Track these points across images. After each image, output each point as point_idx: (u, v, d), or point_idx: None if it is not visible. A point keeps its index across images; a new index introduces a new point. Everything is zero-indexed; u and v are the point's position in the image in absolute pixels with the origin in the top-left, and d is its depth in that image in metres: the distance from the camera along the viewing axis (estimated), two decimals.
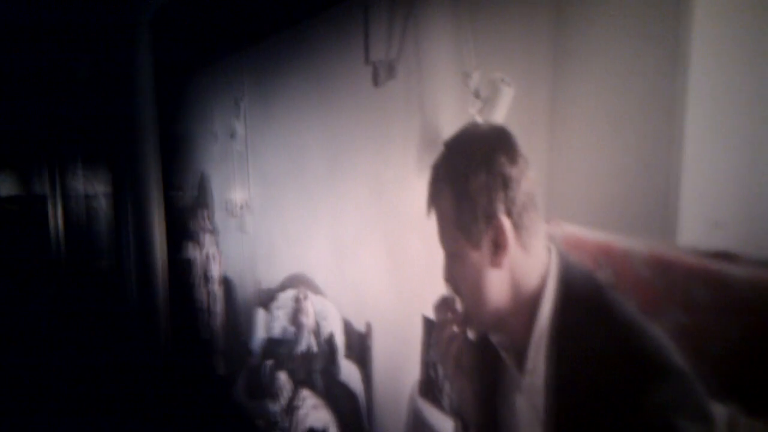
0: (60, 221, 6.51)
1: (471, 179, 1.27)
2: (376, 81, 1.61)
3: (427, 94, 1.42)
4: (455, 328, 1.39)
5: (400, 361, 1.59)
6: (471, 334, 1.35)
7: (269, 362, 2.33)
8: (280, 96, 2.17)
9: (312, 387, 2.02)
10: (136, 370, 3.95)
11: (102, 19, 4.22)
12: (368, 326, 1.69)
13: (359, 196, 1.71)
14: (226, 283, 2.80)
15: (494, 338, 1.32)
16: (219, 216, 2.84)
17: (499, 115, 1.21)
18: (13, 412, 3.98)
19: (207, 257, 3.04)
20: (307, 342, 2.03)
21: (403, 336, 1.57)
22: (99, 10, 4.21)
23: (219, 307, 2.90)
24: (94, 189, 5.53)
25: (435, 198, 1.41)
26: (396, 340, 1.60)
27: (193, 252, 3.26)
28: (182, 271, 3.46)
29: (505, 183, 1.24)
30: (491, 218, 1.26)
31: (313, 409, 2.01)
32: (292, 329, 2.14)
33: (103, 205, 5.31)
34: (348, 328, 1.79)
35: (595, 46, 1.02)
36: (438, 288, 1.41)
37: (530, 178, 1.21)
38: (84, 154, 5.64)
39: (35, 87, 5.38)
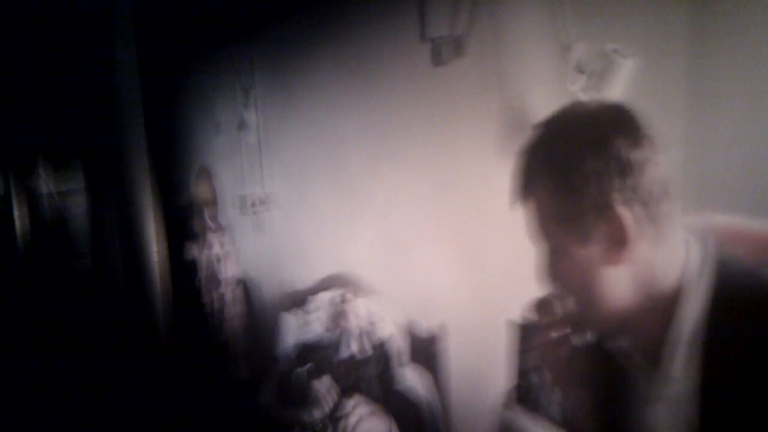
0: (25, 222, 6.22)
1: (575, 166, 1.12)
2: (437, 60, 1.45)
3: (508, 72, 1.28)
4: (565, 331, 1.25)
5: (481, 366, 1.46)
6: (584, 338, 1.22)
7: (304, 368, 2.18)
8: (306, 83, 1.99)
9: (364, 393, 1.88)
10: (135, 377, 3.75)
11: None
12: (439, 329, 1.55)
13: (418, 189, 1.57)
14: (241, 284, 2.63)
15: (616, 342, 1.18)
16: (228, 214, 2.65)
17: (615, 91, 1.07)
18: None
19: (213, 258, 2.85)
20: (353, 346, 1.88)
21: (484, 339, 1.44)
22: None
23: (233, 310, 2.73)
24: (62, 186, 5.26)
25: (524, 188, 1.27)
26: (477, 343, 1.47)
27: (195, 252, 3.06)
28: (183, 272, 3.26)
29: (624, 169, 1.08)
30: (604, 209, 1.10)
31: (368, 416, 1.87)
32: (331, 333, 1.99)
33: (76, 203, 5.04)
34: (412, 331, 1.66)
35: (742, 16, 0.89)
36: (530, 287, 1.28)
37: (661, 162, 1.06)
38: (48, 151, 5.34)
39: None
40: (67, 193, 5.11)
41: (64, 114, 4.47)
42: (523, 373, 1.36)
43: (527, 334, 1.32)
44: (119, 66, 3.50)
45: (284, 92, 2.11)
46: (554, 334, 1.26)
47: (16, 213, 6.17)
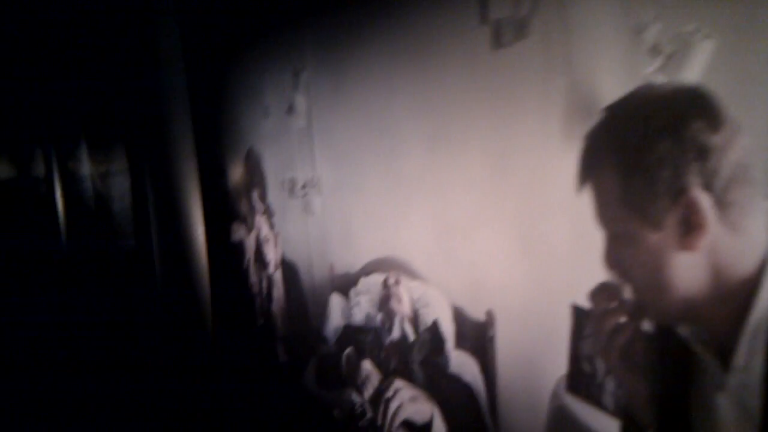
0: (66, 202, 6.33)
1: (648, 149, 1.09)
2: (498, 42, 1.43)
3: (575, 54, 1.25)
4: (622, 318, 1.23)
5: (534, 353, 1.44)
6: (643, 326, 1.19)
7: (349, 350, 2.19)
8: (358, 66, 1.98)
9: (408, 378, 1.87)
10: (180, 359, 3.81)
11: None
12: (490, 314, 1.54)
13: (475, 172, 1.55)
14: (287, 266, 2.65)
15: (682, 330, 1.15)
16: (275, 196, 2.67)
17: (692, 73, 1.04)
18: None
19: (260, 239, 2.88)
20: (401, 330, 1.88)
21: (538, 326, 1.42)
22: None
23: (277, 291, 2.75)
24: (104, 168, 5.32)
25: (591, 172, 1.24)
26: (529, 330, 1.45)
27: (241, 234, 3.09)
28: (227, 254, 3.30)
29: (702, 153, 1.04)
30: (680, 194, 1.06)
31: (410, 402, 1.87)
32: (379, 316, 1.99)
33: (118, 184, 5.10)
34: (460, 317, 1.64)
35: None
36: (589, 273, 1.25)
37: (741, 146, 1.02)
38: (91, 133, 5.41)
39: (33, 65, 5.13)
40: (109, 174, 5.17)
41: (108, 95, 4.53)
42: (577, 360, 1.33)
43: (584, 320, 1.30)
44: (164, 49, 3.54)
45: (335, 75, 2.11)
46: (612, 322, 1.24)
47: (58, 194, 6.30)
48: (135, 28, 3.67)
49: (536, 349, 1.44)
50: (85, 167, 5.69)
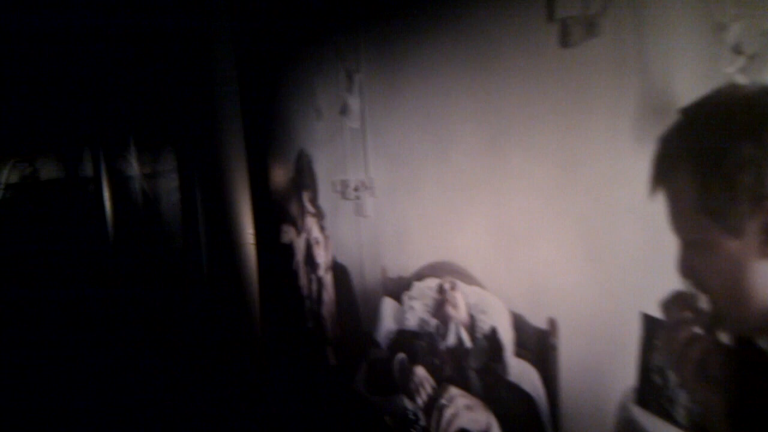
0: (114, 203, 6.44)
1: (728, 153, 1.03)
2: (566, 41, 1.38)
3: (649, 52, 1.19)
4: (697, 330, 1.17)
5: (600, 363, 1.39)
6: (722, 337, 1.13)
7: (401, 356, 2.16)
8: (414, 66, 1.95)
9: (464, 385, 1.83)
10: (228, 360, 3.83)
11: None
12: (552, 322, 1.49)
13: (538, 175, 1.50)
14: (337, 269, 2.63)
15: (763, 342, 1.09)
16: (326, 198, 2.66)
17: None
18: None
19: (310, 242, 2.87)
20: (457, 336, 1.84)
21: (605, 335, 1.36)
22: None
23: (327, 294, 2.74)
24: (153, 168, 5.37)
25: (665, 176, 1.19)
26: (594, 339, 1.39)
27: (291, 236, 3.09)
28: (276, 256, 3.30)
29: None
30: (762, 200, 1.01)
31: (465, 410, 1.83)
32: (433, 322, 1.95)
33: (166, 186, 5.15)
34: (519, 324, 1.60)
35: None
36: (661, 281, 1.20)
37: None
38: (140, 133, 5.47)
39: (82, 66, 5.21)
40: (157, 175, 5.21)
41: (158, 95, 4.58)
42: (646, 372, 1.28)
43: (655, 331, 1.24)
44: (215, 49, 3.57)
45: (391, 76, 2.08)
46: (686, 333, 1.18)
47: (105, 194, 6.42)
48: (186, 28, 3.71)
49: (602, 359, 1.38)
50: (133, 167, 5.77)
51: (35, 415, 3.98)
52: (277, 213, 3.25)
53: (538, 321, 1.55)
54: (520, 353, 1.63)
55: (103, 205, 6.53)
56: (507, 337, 1.66)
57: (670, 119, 1.14)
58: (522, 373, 1.61)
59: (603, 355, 1.38)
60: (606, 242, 1.33)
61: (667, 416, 1.24)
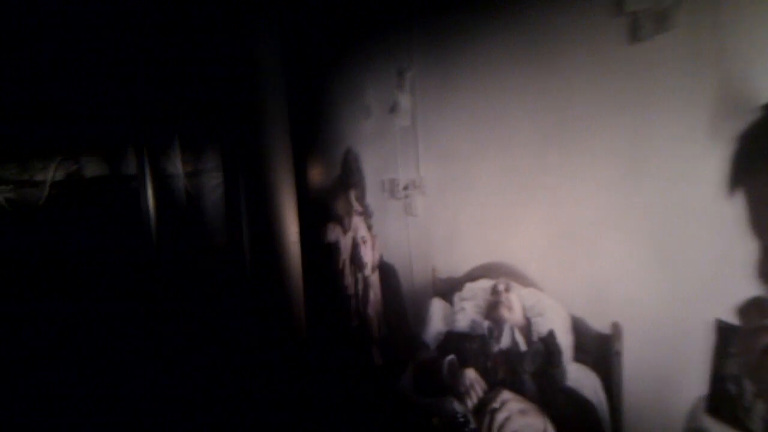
0: (157, 201, 6.49)
1: None
2: (636, 36, 1.33)
3: (728, 47, 1.14)
4: None
5: (667, 370, 1.33)
6: None
7: (451, 357, 2.12)
8: (469, 63, 1.92)
9: (517, 389, 1.79)
10: (272, 359, 3.83)
11: None
12: (616, 327, 1.44)
13: (601, 173, 1.45)
14: (384, 268, 2.60)
15: None
16: (373, 197, 2.64)
17: None
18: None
19: (356, 240, 2.85)
20: (511, 339, 1.80)
21: (674, 341, 1.31)
22: None
23: (374, 293, 2.71)
24: (197, 166, 5.40)
25: (744, 176, 1.14)
26: (661, 345, 1.34)
27: (336, 235, 3.08)
28: (321, 254, 3.29)
29: None
30: None
31: (519, 414, 1.78)
32: (486, 323, 1.91)
33: (210, 183, 5.17)
34: (579, 328, 1.55)
35: None
36: (736, 286, 1.14)
37: None
38: (184, 131, 5.50)
39: (126, 62, 5.26)
40: (200, 173, 5.22)
41: (204, 93, 4.58)
42: (720, 380, 1.22)
43: (730, 337, 1.19)
44: (262, 46, 3.56)
45: (443, 73, 2.05)
46: (766, 340, 1.12)
47: (149, 192, 6.48)
48: (233, 25, 3.71)
49: (669, 366, 1.33)
50: (177, 165, 5.80)
51: (78, 409, 4.04)
52: (322, 211, 3.25)
53: (600, 325, 1.50)
54: (579, 358, 1.58)
55: (146, 203, 6.61)
56: (565, 341, 1.61)
57: (752, 116, 1.08)
58: (581, 378, 1.56)
59: (671, 362, 1.32)
60: (677, 245, 1.28)
61: (742, 427, 1.18)
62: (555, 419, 1.68)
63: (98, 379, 4.46)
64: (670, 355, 1.32)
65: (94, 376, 4.51)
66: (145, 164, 6.68)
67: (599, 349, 1.50)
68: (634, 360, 1.42)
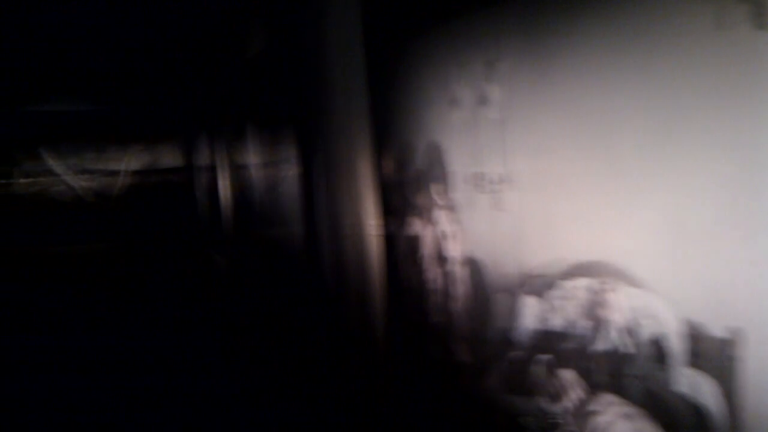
0: (227, 192, 6.59)
1: None
2: (759, 22, 1.24)
3: None
4: None
5: None
6: None
7: (545, 357, 2.06)
8: (563, 54, 1.84)
9: (620, 392, 1.72)
10: (349, 354, 3.84)
11: None
12: (737, 332, 1.35)
13: (723, 169, 1.37)
14: (469, 263, 2.56)
15: None
16: (458, 191, 2.59)
17: None
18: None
19: (439, 235, 2.81)
20: (615, 341, 1.73)
21: None
22: None
23: (458, 289, 2.67)
24: (271, 157, 5.41)
25: None
26: None
27: (417, 228, 3.04)
28: (401, 248, 3.26)
29: None
30: None
31: (623, 419, 1.71)
32: (585, 324, 1.84)
33: (285, 174, 5.17)
34: (693, 332, 1.47)
35: None
36: None
37: None
38: (258, 120, 5.51)
39: (201, 52, 5.32)
40: (274, 163, 5.23)
41: (280, 79, 4.58)
42: None
43: None
44: (342, 34, 3.53)
45: (535, 64, 1.98)
46: None
47: (221, 183, 6.58)
48: (311, 9, 3.70)
49: None
50: (251, 156, 5.85)
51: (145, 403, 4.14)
52: (402, 204, 3.21)
53: (718, 329, 1.41)
54: (694, 363, 1.50)
55: (221, 193, 6.73)
56: (678, 344, 1.53)
57: None
58: (696, 384, 1.48)
59: None
60: None
61: None
62: (666, 427, 1.60)
63: (180, 364, 4.57)
64: None
65: (172, 359, 4.62)
66: (219, 154, 6.78)
67: (717, 355, 1.42)
68: (758, 368, 1.33)
